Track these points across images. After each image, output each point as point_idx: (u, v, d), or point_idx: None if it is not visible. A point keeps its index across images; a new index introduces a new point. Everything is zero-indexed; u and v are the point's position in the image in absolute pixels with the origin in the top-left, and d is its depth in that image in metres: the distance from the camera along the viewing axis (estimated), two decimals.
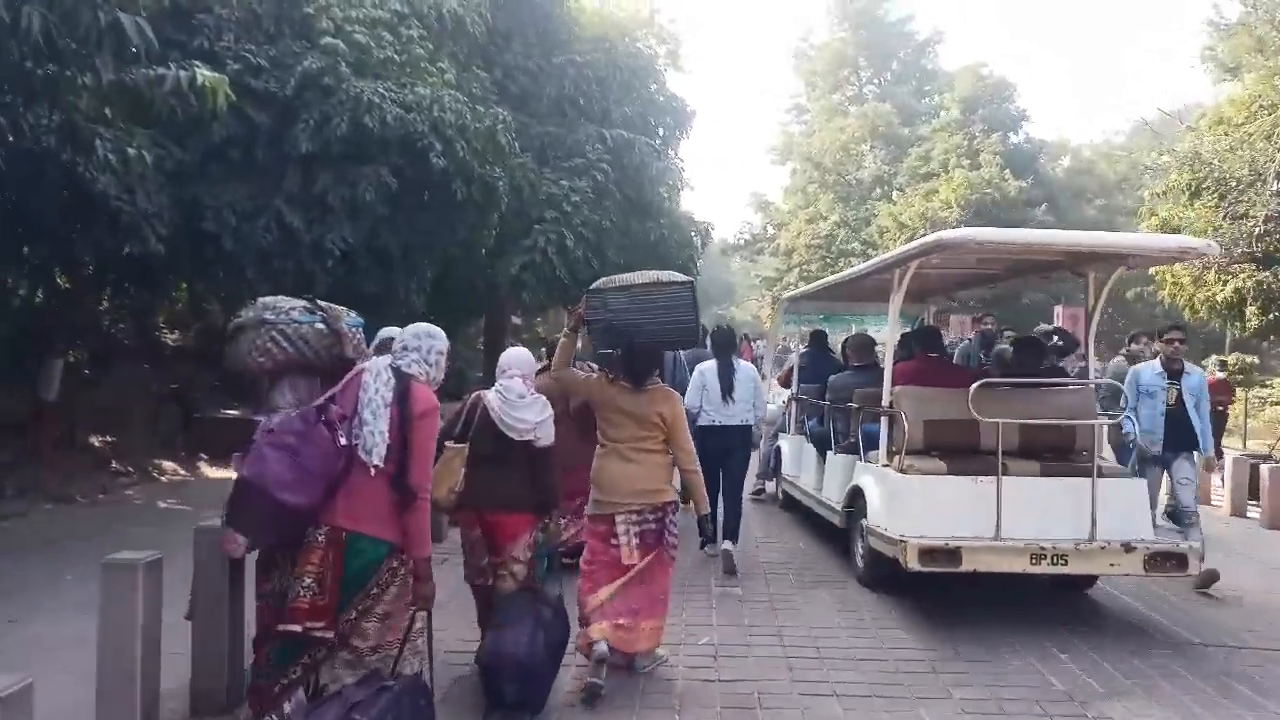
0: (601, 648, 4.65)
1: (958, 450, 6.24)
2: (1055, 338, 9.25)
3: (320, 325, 3.94)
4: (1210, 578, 6.90)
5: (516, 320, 18.19)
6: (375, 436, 3.51)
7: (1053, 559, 5.77)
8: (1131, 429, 7.09)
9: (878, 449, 6.68)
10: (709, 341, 8.78)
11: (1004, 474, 5.85)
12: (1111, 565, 5.89)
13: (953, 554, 5.72)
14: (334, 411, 3.58)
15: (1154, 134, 45.94)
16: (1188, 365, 7.29)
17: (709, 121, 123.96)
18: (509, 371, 4.60)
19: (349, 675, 3.52)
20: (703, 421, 7.06)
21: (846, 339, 9.85)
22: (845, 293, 9.72)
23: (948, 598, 6.46)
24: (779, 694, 4.86)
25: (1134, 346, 9.51)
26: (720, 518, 7.26)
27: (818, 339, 10.37)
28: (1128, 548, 5.82)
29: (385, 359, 3.80)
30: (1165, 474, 7.31)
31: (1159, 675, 5.28)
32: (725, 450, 7.23)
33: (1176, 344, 7.24)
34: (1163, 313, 26.16)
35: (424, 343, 3.87)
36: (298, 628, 3.44)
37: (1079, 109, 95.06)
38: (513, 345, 7.29)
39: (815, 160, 41.29)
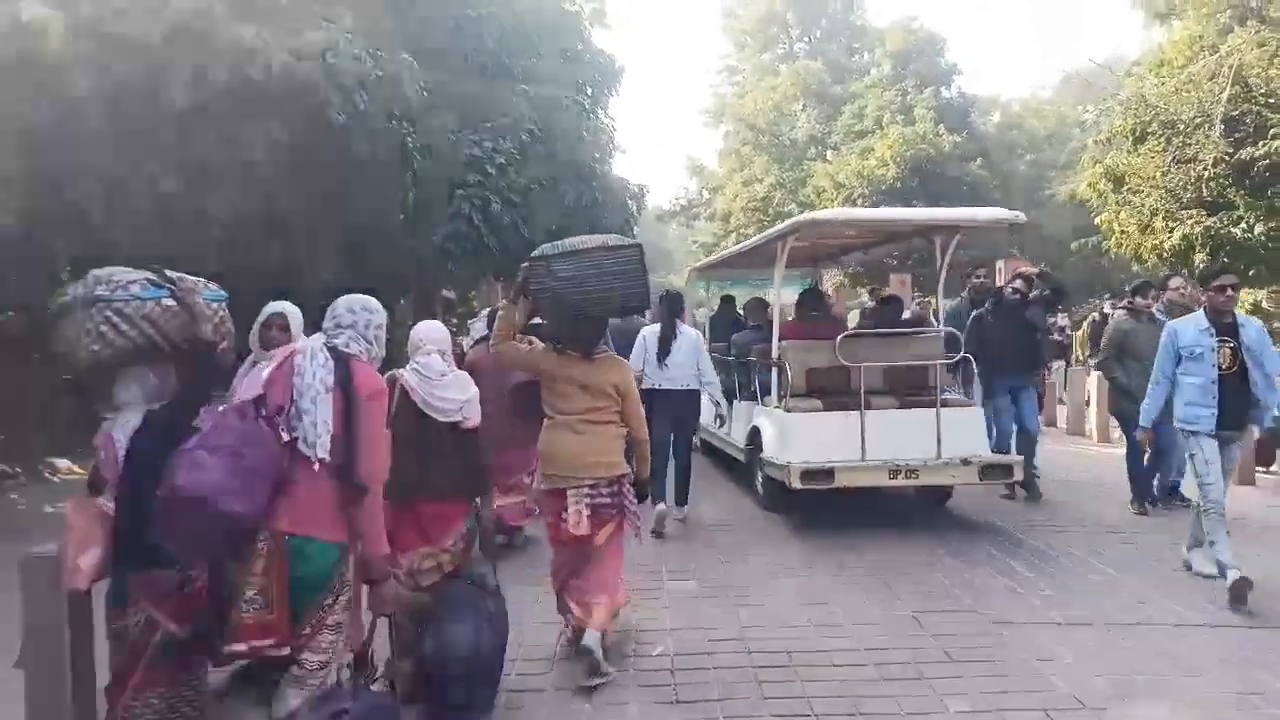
0: (588, 640, 4.54)
1: (833, 392, 7.74)
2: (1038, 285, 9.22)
3: (169, 301, 3.35)
4: (1242, 589, 5.56)
5: (449, 294, 17.05)
6: (318, 427, 3.21)
7: (906, 474, 7.25)
8: (1150, 405, 6.20)
9: (770, 394, 8.11)
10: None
11: (867, 408, 7.40)
12: (953, 476, 7.50)
13: (828, 473, 7.16)
14: (271, 404, 3.24)
15: (1085, 84, 46.35)
16: (1240, 315, 5.92)
17: (640, 84, 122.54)
18: (424, 347, 4.29)
19: (296, 697, 3.19)
20: (645, 385, 7.10)
21: (746, 302, 11.05)
22: (744, 262, 11.56)
23: (916, 578, 6.46)
24: (748, 716, 4.31)
25: (1138, 300, 8.35)
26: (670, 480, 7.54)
27: (725, 303, 11.35)
28: (965, 462, 7.35)
29: (318, 339, 3.46)
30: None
31: None
32: (665, 414, 7.29)
33: (1229, 291, 5.79)
34: (1109, 264, 25.95)
35: (360, 317, 3.54)
36: (242, 646, 3.16)
37: (1009, 64, 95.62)
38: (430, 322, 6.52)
39: (748, 121, 40.46)
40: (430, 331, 4.38)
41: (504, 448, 5.47)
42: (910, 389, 7.84)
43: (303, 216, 9.73)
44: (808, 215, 7.95)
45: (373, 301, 3.66)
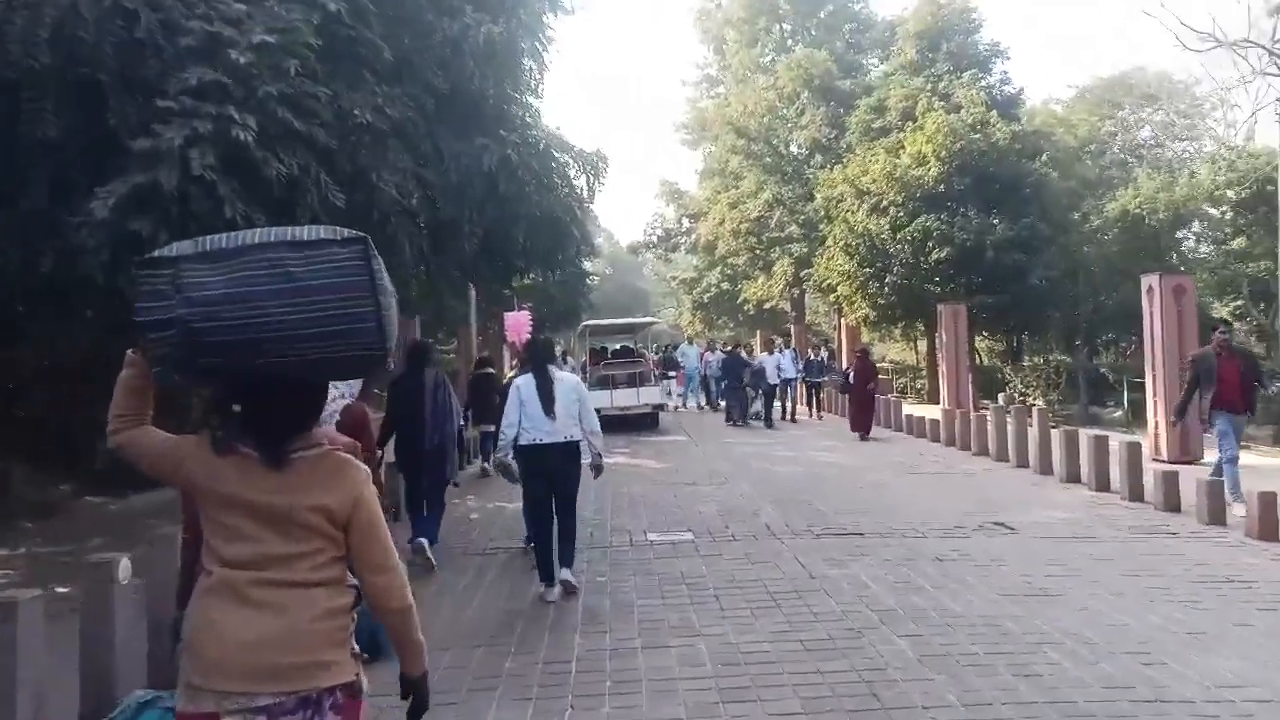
0: None
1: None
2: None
3: None
4: None
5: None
6: None
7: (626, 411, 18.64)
8: None
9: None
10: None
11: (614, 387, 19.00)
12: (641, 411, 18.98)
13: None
14: None
15: (1101, 99, 39.68)
16: None
17: (607, 100, 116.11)
18: None
19: None
20: (523, 440, 6.47)
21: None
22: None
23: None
24: None
25: None
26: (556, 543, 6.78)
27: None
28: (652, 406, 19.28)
29: None
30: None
31: None
32: (551, 472, 6.55)
33: None
34: None
35: None
36: None
37: (1030, 68, 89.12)
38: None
39: (737, 126, 33.45)
40: None
41: None
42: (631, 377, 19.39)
43: None
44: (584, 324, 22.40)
45: None
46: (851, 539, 8.16)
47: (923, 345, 36.60)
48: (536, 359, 6.86)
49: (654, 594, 6.52)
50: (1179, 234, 35.66)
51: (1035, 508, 9.75)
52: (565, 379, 6.78)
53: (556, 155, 10.41)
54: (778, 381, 19.96)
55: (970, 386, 21.56)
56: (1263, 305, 27.00)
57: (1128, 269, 32.07)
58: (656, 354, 29.36)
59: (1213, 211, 34.86)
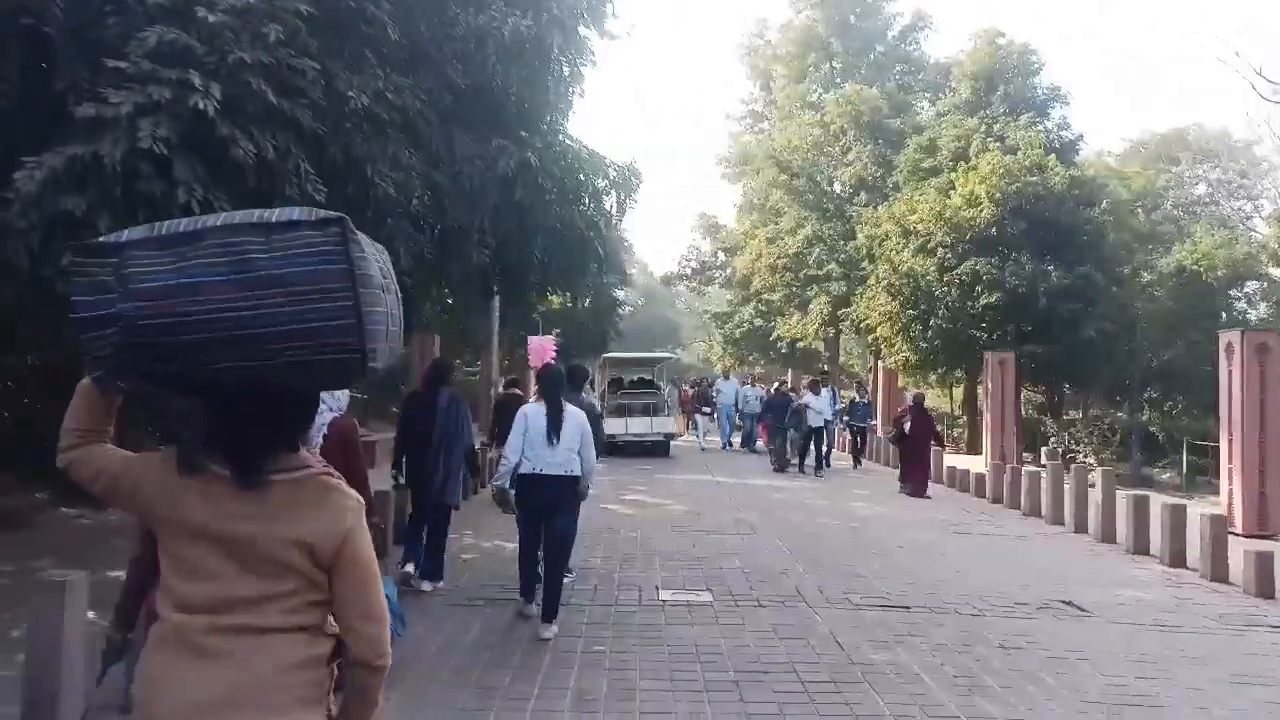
0: None
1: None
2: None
3: None
4: None
5: None
6: None
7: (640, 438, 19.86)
8: None
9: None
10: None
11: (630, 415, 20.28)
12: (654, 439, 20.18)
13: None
14: None
15: (1156, 153, 38.52)
16: None
17: (646, 134, 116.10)
18: None
19: None
20: (524, 469, 6.27)
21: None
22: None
23: None
24: None
25: None
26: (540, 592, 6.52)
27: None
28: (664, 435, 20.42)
29: None
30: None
31: None
32: (547, 506, 6.29)
33: None
34: None
35: None
36: None
37: (1086, 117, 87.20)
38: None
39: (781, 161, 32.53)
40: None
41: None
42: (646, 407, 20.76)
43: None
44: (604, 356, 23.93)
45: None
46: (898, 614, 7.02)
47: (958, 392, 35.40)
48: (550, 387, 6.63)
49: (661, 674, 5.43)
50: (1231, 293, 34.32)
51: (1104, 584, 8.55)
52: (574, 412, 6.47)
53: (584, 165, 9.46)
54: (821, 424, 18.08)
55: (1015, 440, 20.27)
56: None
57: (1177, 325, 30.83)
58: (692, 388, 28.05)
59: (1273, 272, 33.49)
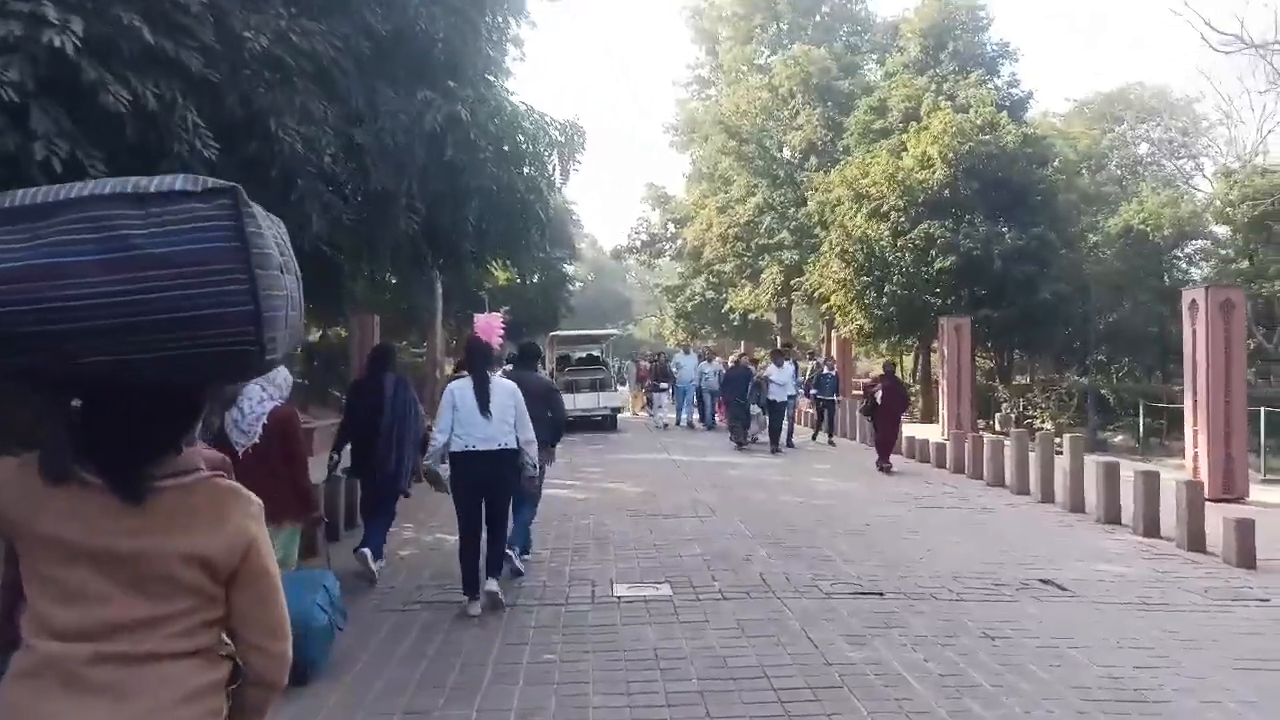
0: None
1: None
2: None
3: None
4: None
5: None
6: None
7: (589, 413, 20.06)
8: None
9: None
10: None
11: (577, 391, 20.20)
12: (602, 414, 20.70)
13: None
14: None
15: (1101, 113, 38.76)
16: None
17: (592, 101, 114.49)
18: None
19: None
20: (456, 447, 6.16)
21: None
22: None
23: None
24: None
25: None
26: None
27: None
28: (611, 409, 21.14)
29: None
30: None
31: None
32: (483, 481, 6.19)
33: None
34: None
35: None
36: None
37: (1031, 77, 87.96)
38: None
39: (729, 127, 31.86)
40: None
41: None
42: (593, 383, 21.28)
43: None
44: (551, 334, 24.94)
45: None
46: (871, 601, 6.50)
47: (909, 360, 35.31)
48: (476, 362, 6.53)
49: (617, 686, 4.83)
50: (1176, 253, 34.61)
51: (1080, 559, 8.15)
52: (502, 385, 6.42)
53: (522, 122, 8.70)
54: (784, 399, 16.57)
55: (970, 407, 20.01)
56: (1263, 329, 25.63)
57: (1125, 286, 30.93)
58: (650, 362, 26.72)
59: (1217, 230, 33.79)
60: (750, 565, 7.54)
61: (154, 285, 1.58)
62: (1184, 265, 35.46)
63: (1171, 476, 10.36)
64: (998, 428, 21.40)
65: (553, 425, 7.37)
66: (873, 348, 32.54)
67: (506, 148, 8.36)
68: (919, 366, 28.96)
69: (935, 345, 23.04)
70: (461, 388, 6.28)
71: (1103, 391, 26.11)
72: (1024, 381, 29.37)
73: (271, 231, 1.73)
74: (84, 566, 1.74)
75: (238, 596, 1.81)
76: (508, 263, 11.13)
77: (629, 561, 7.70)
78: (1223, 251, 31.51)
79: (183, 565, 1.76)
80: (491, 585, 6.21)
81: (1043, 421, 20.79)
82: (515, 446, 6.21)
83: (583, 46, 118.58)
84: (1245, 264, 28.18)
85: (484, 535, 6.30)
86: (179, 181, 1.67)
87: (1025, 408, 23.34)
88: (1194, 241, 34.99)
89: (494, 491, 6.24)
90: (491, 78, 8.66)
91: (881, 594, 6.69)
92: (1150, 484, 9.46)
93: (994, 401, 25.11)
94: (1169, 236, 32.27)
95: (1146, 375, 29.55)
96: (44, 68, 4.53)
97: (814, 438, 18.98)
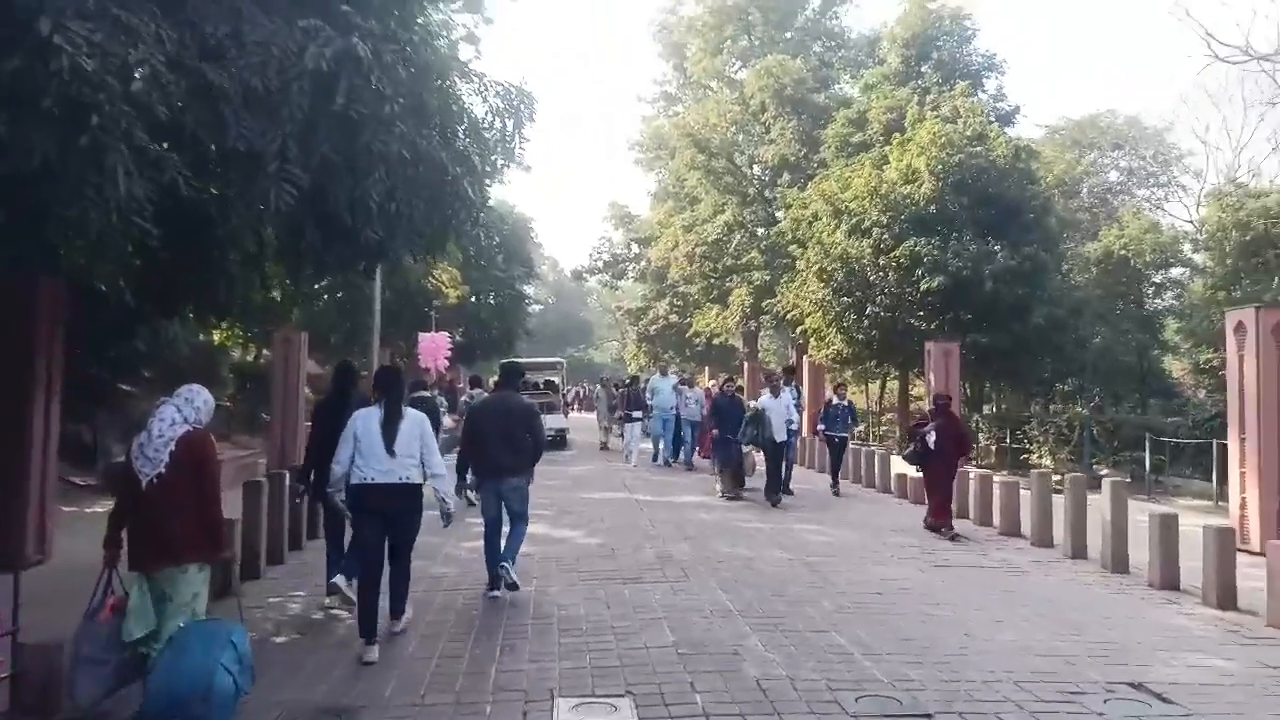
0: None
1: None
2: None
3: None
4: None
5: None
6: None
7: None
8: None
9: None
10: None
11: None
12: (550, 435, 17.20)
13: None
14: None
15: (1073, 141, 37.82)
16: None
17: (554, 118, 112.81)
18: None
19: None
20: (354, 479, 5.90)
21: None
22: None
23: None
24: None
25: None
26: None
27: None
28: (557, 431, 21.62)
29: None
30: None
31: None
32: (385, 516, 5.95)
33: None
34: None
35: None
36: None
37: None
38: None
39: (698, 140, 30.15)
40: None
41: None
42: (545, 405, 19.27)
43: None
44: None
45: None
46: None
47: (878, 387, 33.60)
48: (387, 390, 6.25)
49: None
50: (1155, 280, 33.57)
51: (1159, 646, 6.30)
52: (412, 415, 6.13)
53: (452, 74, 6.74)
54: (785, 437, 13.05)
55: None
56: None
57: (1106, 314, 29.63)
58: (620, 389, 22.27)
59: (1196, 258, 32.76)
60: (740, 663, 5.57)
61: None
62: (1149, 294, 34.46)
63: (1194, 522, 8.63)
64: (992, 462, 19.83)
65: (533, 447, 7.28)
66: (840, 374, 30.61)
67: (428, 105, 6.38)
68: (904, 393, 27.26)
69: (919, 371, 21.35)
70: (366, 417, 5.99)
71: (1103, 423, 24.58)
72: (992, 412, 27.81)
73: None
74: None
75: None
76: (429, 257, 9.05)
77: (577, 657, 5.69)
78: (1196, 279, 30.42)
79: None
80: (396, 626, 6.22)
81: (1039, 457, 19.08)
82: (418, 482, 5.99)
83: (545, 57, 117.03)
84: (1233, 292, 26.99)
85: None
86: None
87: (1013, 441, 21.64)
88: (1172, 269, 34.08)
89: (396, 526, 5.98)
90: (412, 13, 6.63)
91: (930, 716, 4.76)
92: (1224, 545, 7.66)
93: (971, 433, 23.40)
94: (1151, 261, 31.21)
95: (1137, 406, 28.19)
96: None
97: (833, 489, 14.86)
